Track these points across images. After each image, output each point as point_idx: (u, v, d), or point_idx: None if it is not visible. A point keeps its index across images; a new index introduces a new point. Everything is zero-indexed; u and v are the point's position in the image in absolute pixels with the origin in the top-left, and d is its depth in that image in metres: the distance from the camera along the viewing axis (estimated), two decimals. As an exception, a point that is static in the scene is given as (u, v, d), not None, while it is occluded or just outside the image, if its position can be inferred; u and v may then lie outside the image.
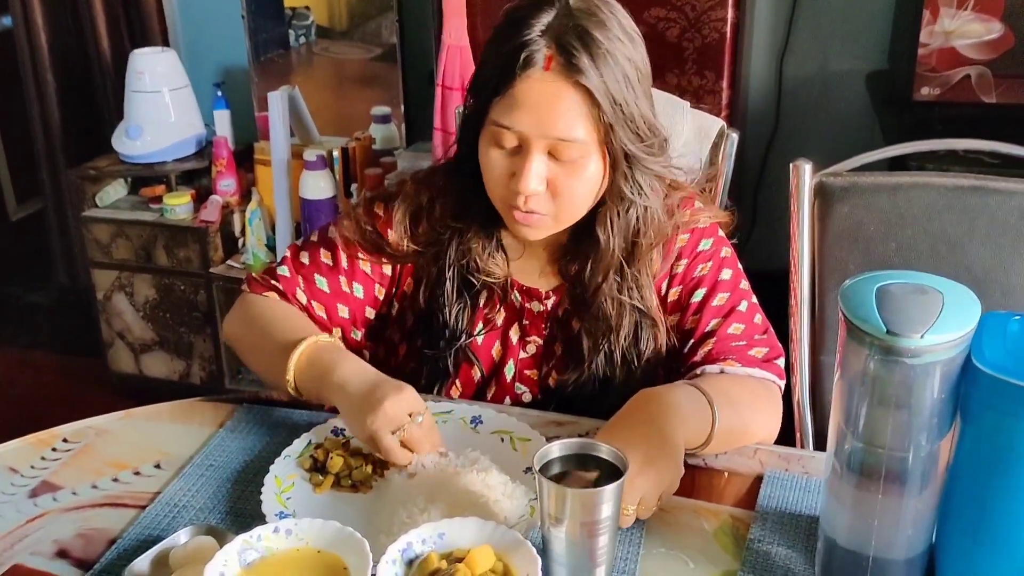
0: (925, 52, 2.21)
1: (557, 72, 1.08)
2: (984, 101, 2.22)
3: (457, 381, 1.27)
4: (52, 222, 3.33)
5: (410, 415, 1.03)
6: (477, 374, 1.27)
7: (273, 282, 1.26)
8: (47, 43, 3.05)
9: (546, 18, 1.09)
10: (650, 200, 1.18)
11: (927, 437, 0.82)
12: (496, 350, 1.28)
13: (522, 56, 1.08)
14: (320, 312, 1.26)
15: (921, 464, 0.83)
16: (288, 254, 1.29)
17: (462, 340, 1.25)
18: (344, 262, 1.26)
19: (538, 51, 1.08)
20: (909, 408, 0.81)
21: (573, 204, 1.15)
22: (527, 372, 1.28)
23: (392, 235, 1.24)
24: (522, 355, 1.27)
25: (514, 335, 1.27)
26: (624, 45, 1.11)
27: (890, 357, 0.79)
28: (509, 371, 1.27)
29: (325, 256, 1.27)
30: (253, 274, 1.29)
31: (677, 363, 1.24)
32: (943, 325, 0.78)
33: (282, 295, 1.26)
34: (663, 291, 1.24)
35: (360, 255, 1.26)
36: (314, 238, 1.30)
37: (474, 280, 1.24)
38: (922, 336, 0.78)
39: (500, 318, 1.27)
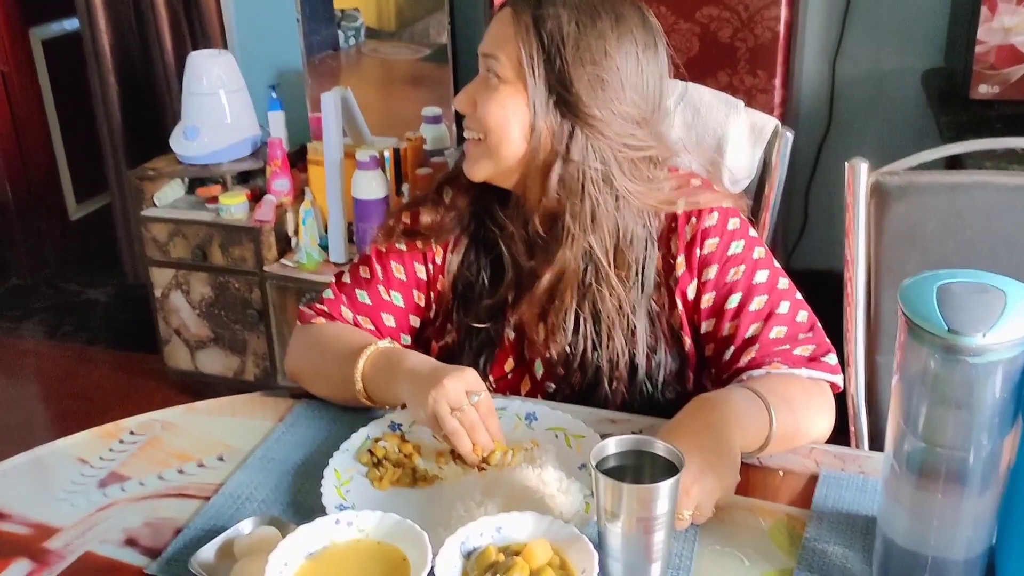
0: (983, 49, 2.17)
1: (510, 3, 1.18)
2: (1044, 99, 2.18)
3: (499, 356, 1.27)
4: (117, 221, 3.40)
5: (468, 394, 1.05)
6: (511, 364, 1.28)
7: (319, 307, 1.30)
8: (110, 46, 3.12)
9: None
10: (610, 166, 1.15)
11: (988, 436, 0.81)
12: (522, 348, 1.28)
13: None
14: (367, 325, 1.28)
15: (982, 464, 0.82)
16: (333, 280, 1.33)
17: (504, 312, 1.25)
18: (379, 272, 1.29)
19: None
20: (970, 407, 0.81)
21: (486, 125, 1.17)
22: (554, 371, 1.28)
23: (429, 211, 1.28)
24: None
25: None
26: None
27: (951, 356, 0.79)
28: (538, 370, 1.28)
29: (364, 272, 1.30)
30: (302, 307, 1.32)
31: (717, 370, 1.23)
32: (1005, 324, 0.78)
33: (329, 317, 1.29)
34: (690, 296, 1.23)
35: (393, 262, 1.29)
36: (354, 260, 1.34)
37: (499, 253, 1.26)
38: (984, 335, 0.77)
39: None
